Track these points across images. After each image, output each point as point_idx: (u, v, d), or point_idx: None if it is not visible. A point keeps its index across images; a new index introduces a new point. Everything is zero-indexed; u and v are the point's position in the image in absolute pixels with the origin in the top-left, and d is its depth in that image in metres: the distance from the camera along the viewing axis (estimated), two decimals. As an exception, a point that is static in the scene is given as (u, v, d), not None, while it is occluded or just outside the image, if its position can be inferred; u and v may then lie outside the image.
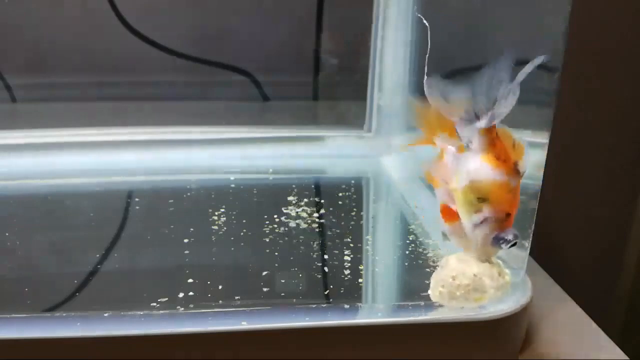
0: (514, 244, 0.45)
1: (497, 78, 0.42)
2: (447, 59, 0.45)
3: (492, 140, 0.44)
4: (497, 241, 0.45)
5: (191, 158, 0.76)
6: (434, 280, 0.49)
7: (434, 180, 0.49)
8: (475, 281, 0.47)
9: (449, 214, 0.48)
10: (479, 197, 0.45)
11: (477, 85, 0.43)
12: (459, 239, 0.48)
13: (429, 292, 0.49)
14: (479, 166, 0.45)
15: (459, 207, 0.46)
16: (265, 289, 0.50)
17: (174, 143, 0.77)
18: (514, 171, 0.44)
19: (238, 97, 0.80)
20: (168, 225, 0.61)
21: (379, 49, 0.77)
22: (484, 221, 0.45)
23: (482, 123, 0.44)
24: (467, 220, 0.46)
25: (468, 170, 0.45)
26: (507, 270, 0.49)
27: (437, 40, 0.45)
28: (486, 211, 0.45)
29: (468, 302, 0.47)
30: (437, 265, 0.52)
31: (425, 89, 0.44)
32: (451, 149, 0.47)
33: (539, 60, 0.41)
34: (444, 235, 0.50)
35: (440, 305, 0.48)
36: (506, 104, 0.43)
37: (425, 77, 0.44)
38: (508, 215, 0.45)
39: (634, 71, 0.82)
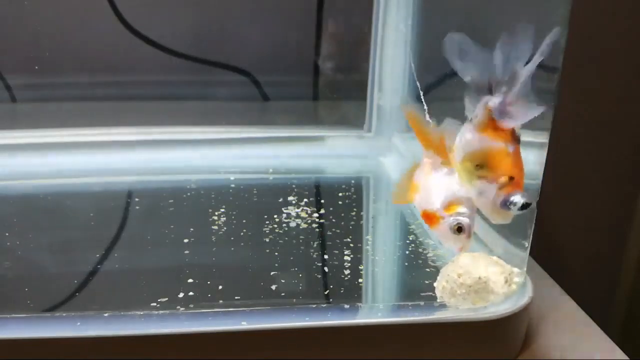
0: (525, 206, 0.44)
1: (516, 52, 0.42)
2: (444, 59, 0.45)
3: (502, 112, 0.44)
4: (506, 204, 0.45)
5: (191, 158, 0.76)
6: (442, 273, 0.49)
7: (408, 196, 0.49)
8: (478, 284, 0.47)
9: (429, 218, 0.48)
10: (477, 164, 0.45)
11: (496, 56, 0.42)
12: (447, 240, 0.48)
13: (435, 284, 0.49)
14: (474, 137, 0.45)
15: (461, 179, 0.46)
16: (265, 289, 0.50)
17: (174, 143, 0.77)
18: (512, 138, 0.44)
19: (238, 97, 0.80)
20: (168, 225, 0.61)
21: (379, 49, 0.77)
22: (487, 187, 0.45)
23: (494, 100, 0.43)
24: (471, 189, 0.46)
25: (466, 142, 0.45)
26: (516, 279, 0.49)
27: (435, 40, 0.45)
28: (487, 176, 0.45)
29: (466, 302, 0.47)
30: (437, 266, 0.52)
31: (445, 45, 0.44)
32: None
33: (554, 36, 0.41)
34: (440, 242, 0.50)
35: (440, 306, 0.48)
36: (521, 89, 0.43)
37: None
38: (512, 178, 0.45)
39: (634, 71, 0.82)
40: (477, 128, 0.45)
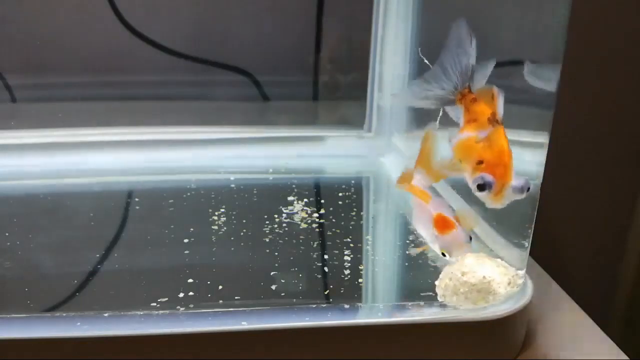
0: (481, 188, 0.44)
1: (459, 51, 0.44)
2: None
3: (467, 107, 0.46)
4: (477, 188, 0.45)
5: (191, 158, 0.76)
6: (445, 271, 0.49)
7: (422, 195, 0.50)
8: (482, 283, 0.47)
9: (443, 223, 0.48)
10: (459, 159, 0.47)
11: (444, 64, 0.45)
12: (458, 247, 0.47)
13: (436, 282, 0.49)
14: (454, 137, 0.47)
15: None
16: (265, 289, 0.50)
17: (174, 143, 0.77)
18: (489, 121, 0.45)
19: (238, 97, 0.80)
20: (168, 225, 0.61)
21: (379, 49, 0.77)
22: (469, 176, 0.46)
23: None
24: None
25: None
26: (519, 282, 0.49)
27: (435, 40, 0.46)
28: (465, 167, 0.46)
29: (468, 301, 0.47)
30: (437, 266, 0.52)
31: (407, 99, 0.47)
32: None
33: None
34: (444, 254, 0.48)
35: (440, 305, 0.48)
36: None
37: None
38: (480, 162, 0.45)
39: (634, 71, 0.82)
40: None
